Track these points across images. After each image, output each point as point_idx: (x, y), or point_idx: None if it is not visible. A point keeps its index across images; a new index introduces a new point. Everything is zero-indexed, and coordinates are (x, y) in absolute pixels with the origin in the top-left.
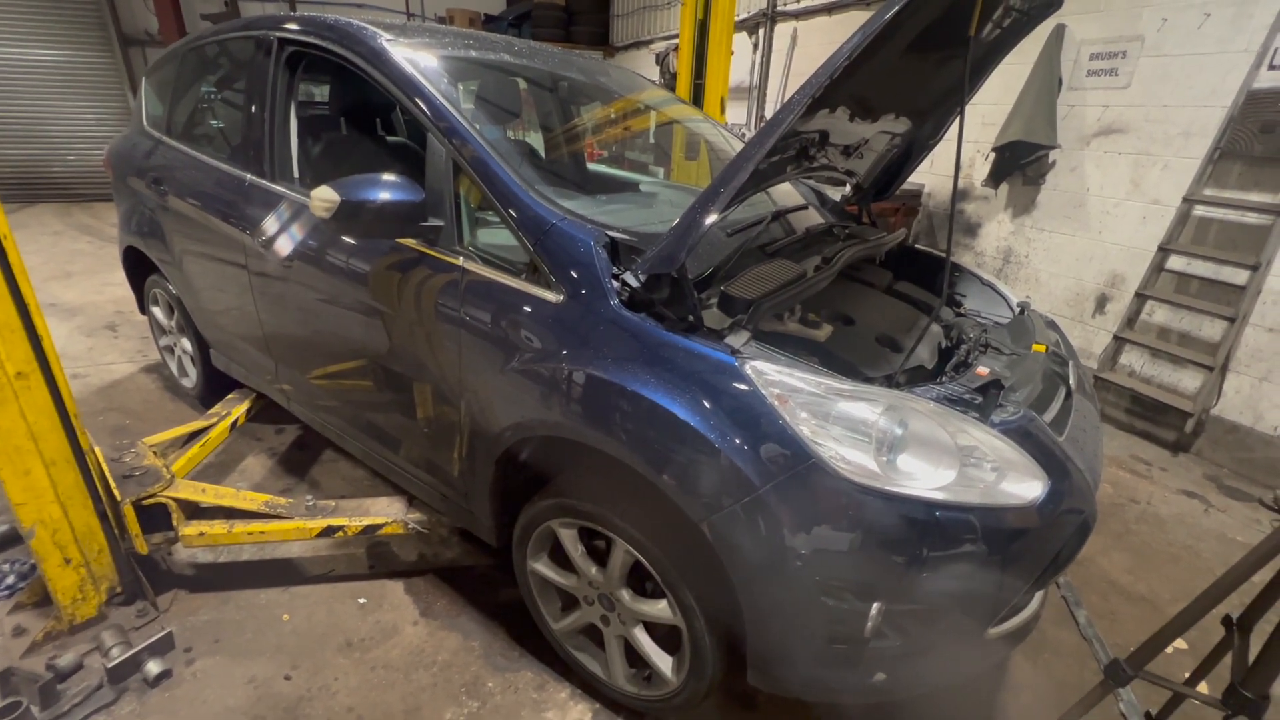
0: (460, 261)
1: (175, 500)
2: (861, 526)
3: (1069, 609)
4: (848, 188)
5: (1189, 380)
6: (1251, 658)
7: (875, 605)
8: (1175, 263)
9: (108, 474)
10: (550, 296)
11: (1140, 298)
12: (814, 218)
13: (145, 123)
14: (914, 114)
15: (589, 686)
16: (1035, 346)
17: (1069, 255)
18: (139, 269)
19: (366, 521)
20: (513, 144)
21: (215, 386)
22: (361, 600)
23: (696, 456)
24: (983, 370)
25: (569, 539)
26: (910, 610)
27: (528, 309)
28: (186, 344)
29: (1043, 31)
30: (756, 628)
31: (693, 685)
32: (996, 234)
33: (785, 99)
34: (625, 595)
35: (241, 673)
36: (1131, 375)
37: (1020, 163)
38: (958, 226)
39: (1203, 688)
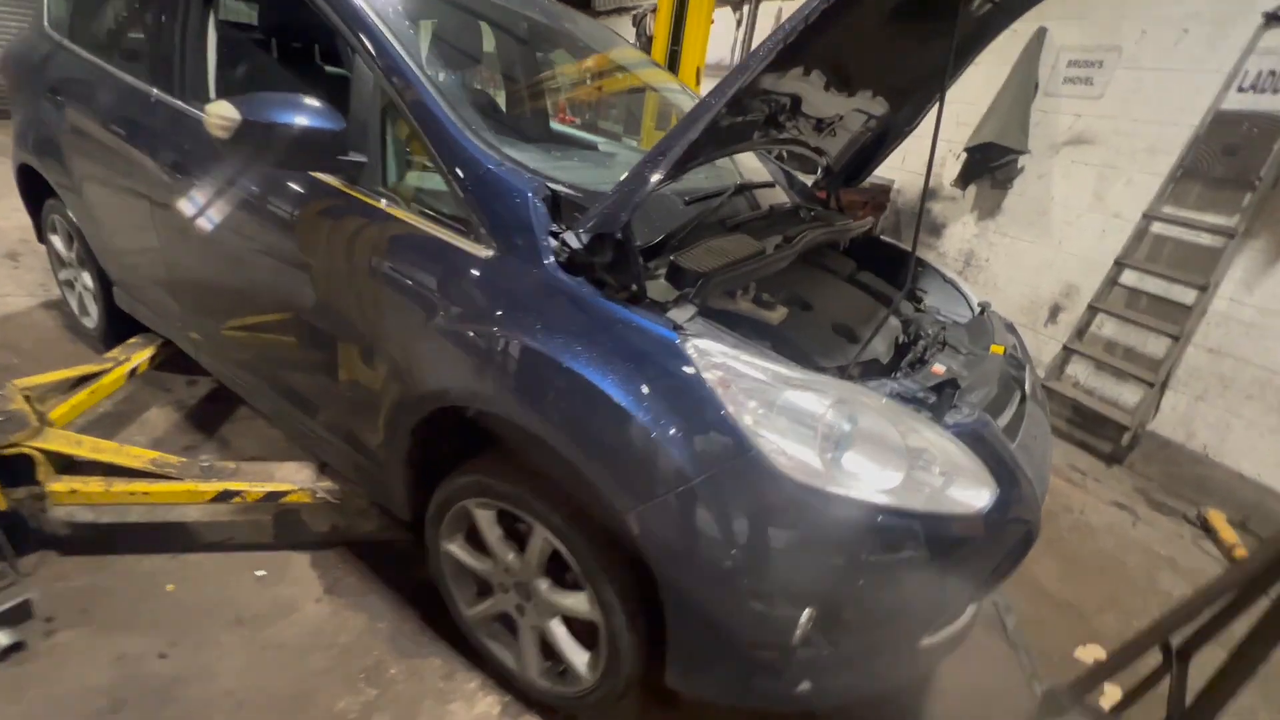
0: (382, 205)
1: (43, 451)
2: (799, 527)
3: (998, 614)
4: (819, 171)
5: (1130, 394)
6: (1190, 688)
7: (806, 611)
8: (1129, 278)
9: None
10: (479, 251)
11: (1092, 310)
12: (780, 197)
13: (46, 23)
14: (892, 94)
15: (501, 678)
16: (994, 348)
17: (1029, 262)
18: (36, 191)
19: (269, 488)
20: (458, 80)
21: (120, 328)
22: (260, 572)
23: (626, 440)
24: (939, 369)
25: (485, 521)
26: (843, 618)
27: (453, 263)
28: (88, 279)
29: (1024, 32)
30: (679, 628)
31: (608, 684)
32: (961, 235)
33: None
34: (543, 585)
35: (109, 648)
36: (1076, 386)
37: (990, 165)
38: (924, 225)
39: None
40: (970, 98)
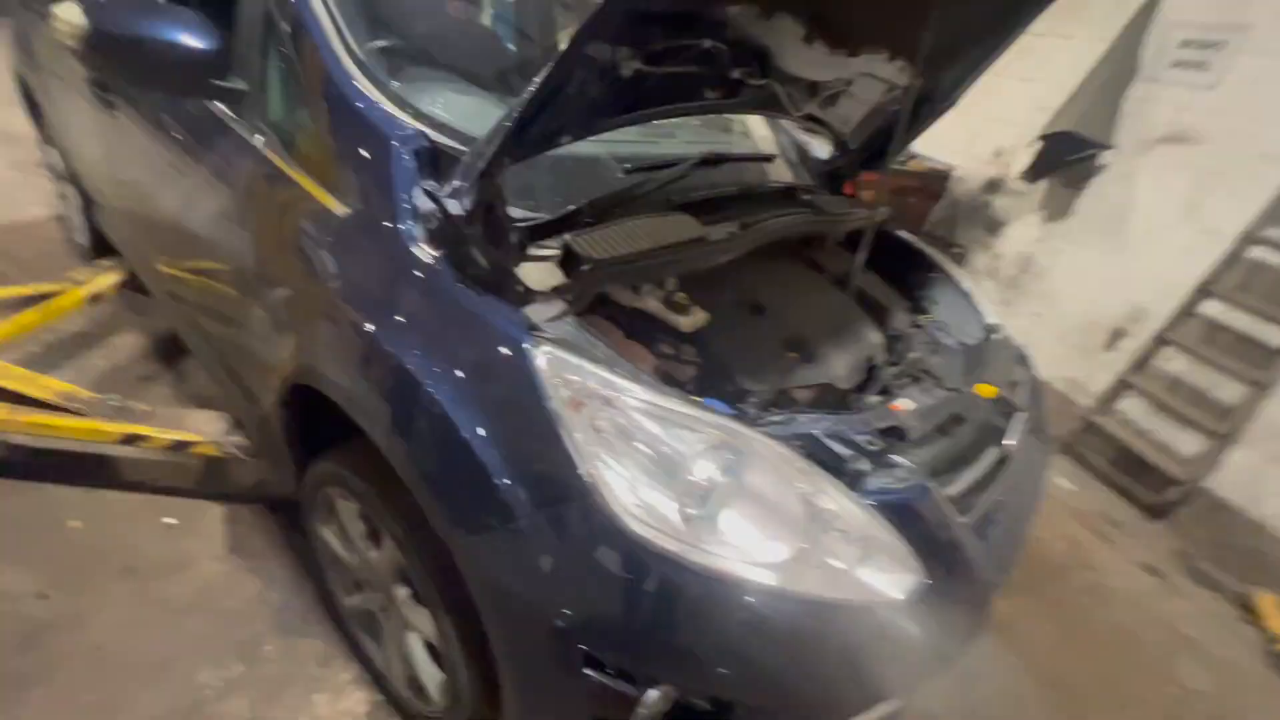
0: (258, 142)
1: None
2: (645, 597)
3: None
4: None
5: (1189, 443)
6: None
7: (653, 693)
8: (1211, 308)
9: None
10: (335, 207)
11: (1160, 340)
12: (779, 175)
13: None
14: (915, 58)
15: (377, 675)
16: (980, 388)
17: (1094, 276)
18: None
19: (175, 436)
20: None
21: (106, 247)
22: (169, 520)
23: (450, 456)
24: (899, 405)
25: (347, 513)
26: (704, 707)
27: (310, 218)
28: (72, 192)
29: (1131, 4)
30: (512, 682)
31: (455, 714)
32: (1021, 238)
33: None
34: (401, 593)
35: None
36: (1126, 425)
37: (1066, 159)
38: (980, 220)
39: None
40: (1057, 76)
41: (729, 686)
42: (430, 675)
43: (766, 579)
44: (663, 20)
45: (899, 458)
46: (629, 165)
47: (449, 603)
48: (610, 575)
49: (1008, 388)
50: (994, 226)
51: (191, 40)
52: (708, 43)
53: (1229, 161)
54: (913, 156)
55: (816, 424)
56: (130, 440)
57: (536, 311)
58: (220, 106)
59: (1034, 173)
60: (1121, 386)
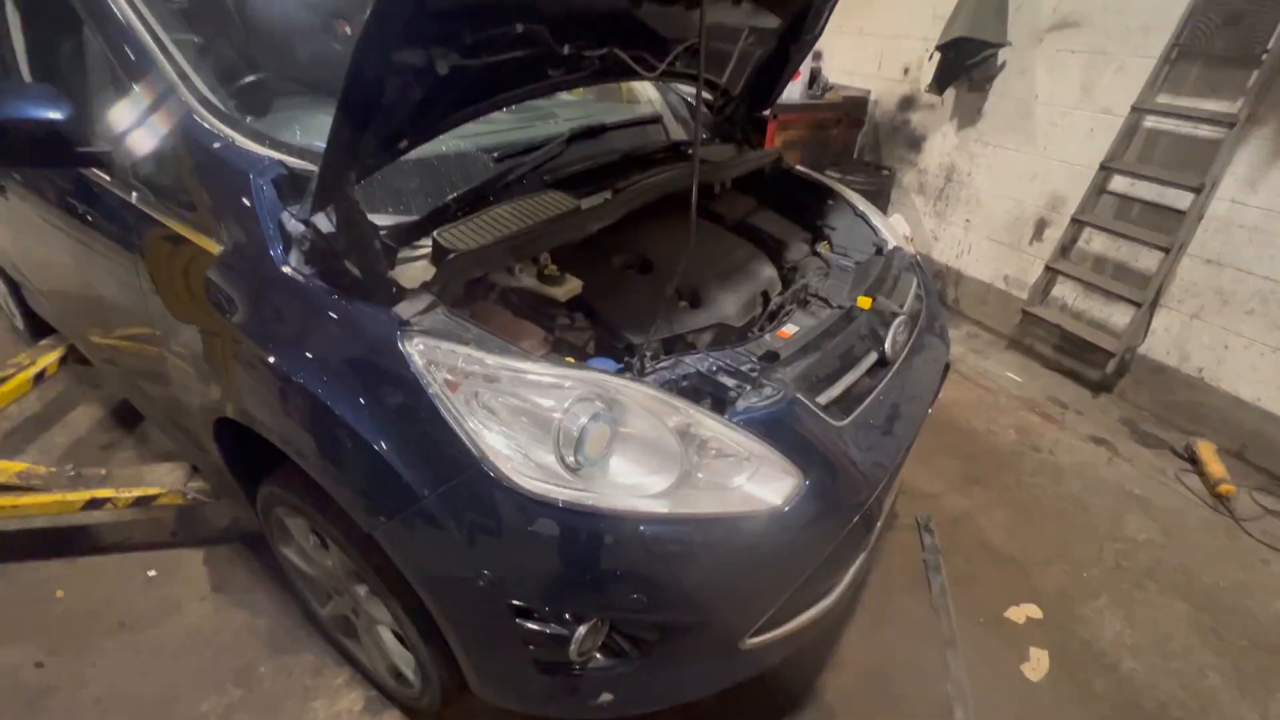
0: (134, 199)
1: None
2: (551, 543)
3: (925, 573)
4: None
5: (1120, 316)
6: None
7: (581, 628)
8: (1118, 184)
9: None
10: (211, 245)
11: (1076, 223)
12: (670, 134)
13: None
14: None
15: (367, 673)
16: (861, 300)
17: (1012, 173)
18: None
19: (138, 493)
20: (209, 43)
21: (44, 328)
22: (152, 573)
23: (353, 455)
24: (786, 331)
25: (298, 529)
26: (629, 632)
27: (192, 260)
28: None
29: None
30: (458, 644)
31: (430, 691)
32: (941, 148)
33: None
34: (361, 592)
35: None
36: (1063, 310)
37: (966, 64)
38: (902, 139)
39: None
40: None
41: (646, 610)
42: (404, 659)
43: (656, 507)
44: (455, 14)
45: (771, 377)
46: (497, 154)
47: (392, 589)
48: (515, 531)
49: (888, 296)
50: (915, 143)
51: (44, 113)
52: (519, 27)
53: (1113, 38)
54: (830, 88)
55: (702, 362)
56: (95, 505)
57: (406, 308)
58: (95, 172)
59: (939, 84)
60: (1052, 274)
